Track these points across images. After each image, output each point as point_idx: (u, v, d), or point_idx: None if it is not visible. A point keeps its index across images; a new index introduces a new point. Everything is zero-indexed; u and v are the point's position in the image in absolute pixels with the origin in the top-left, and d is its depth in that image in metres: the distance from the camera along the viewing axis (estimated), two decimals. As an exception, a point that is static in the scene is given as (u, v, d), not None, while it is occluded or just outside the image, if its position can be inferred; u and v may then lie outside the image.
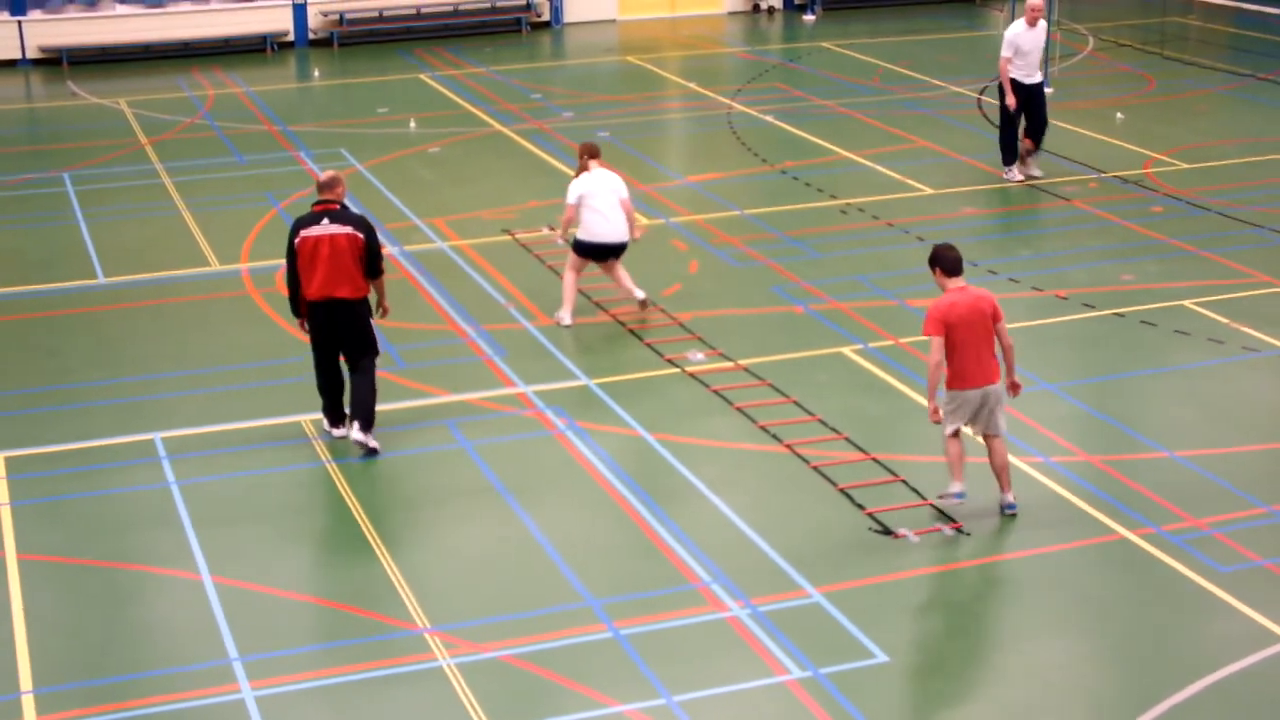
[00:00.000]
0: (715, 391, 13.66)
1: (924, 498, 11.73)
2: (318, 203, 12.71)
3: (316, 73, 27.82)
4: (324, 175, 12.92)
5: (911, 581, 10.70)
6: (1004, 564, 10.88)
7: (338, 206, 12.64)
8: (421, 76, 26.96)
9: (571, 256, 15.28)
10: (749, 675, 9.62)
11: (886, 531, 11.30)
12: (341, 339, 12.72)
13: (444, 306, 15.77)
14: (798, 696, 9.40)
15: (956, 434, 11.41)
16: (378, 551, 11.15)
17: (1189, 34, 29.66)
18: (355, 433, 12.61)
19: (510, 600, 10.48)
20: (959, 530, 11.27)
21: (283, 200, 19.18)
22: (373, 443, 12.61)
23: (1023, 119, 19.56)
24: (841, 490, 11.91)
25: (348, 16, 30.02)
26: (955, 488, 11.45)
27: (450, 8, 30.78)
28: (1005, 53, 19.27)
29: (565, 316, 15.24)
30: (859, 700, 9.35)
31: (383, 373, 14.10)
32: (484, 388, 13.83)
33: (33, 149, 22.90)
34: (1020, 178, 19.62)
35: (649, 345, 14.67)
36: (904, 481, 12.01)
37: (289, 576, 10.87)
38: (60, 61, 28.37)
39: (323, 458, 12.60)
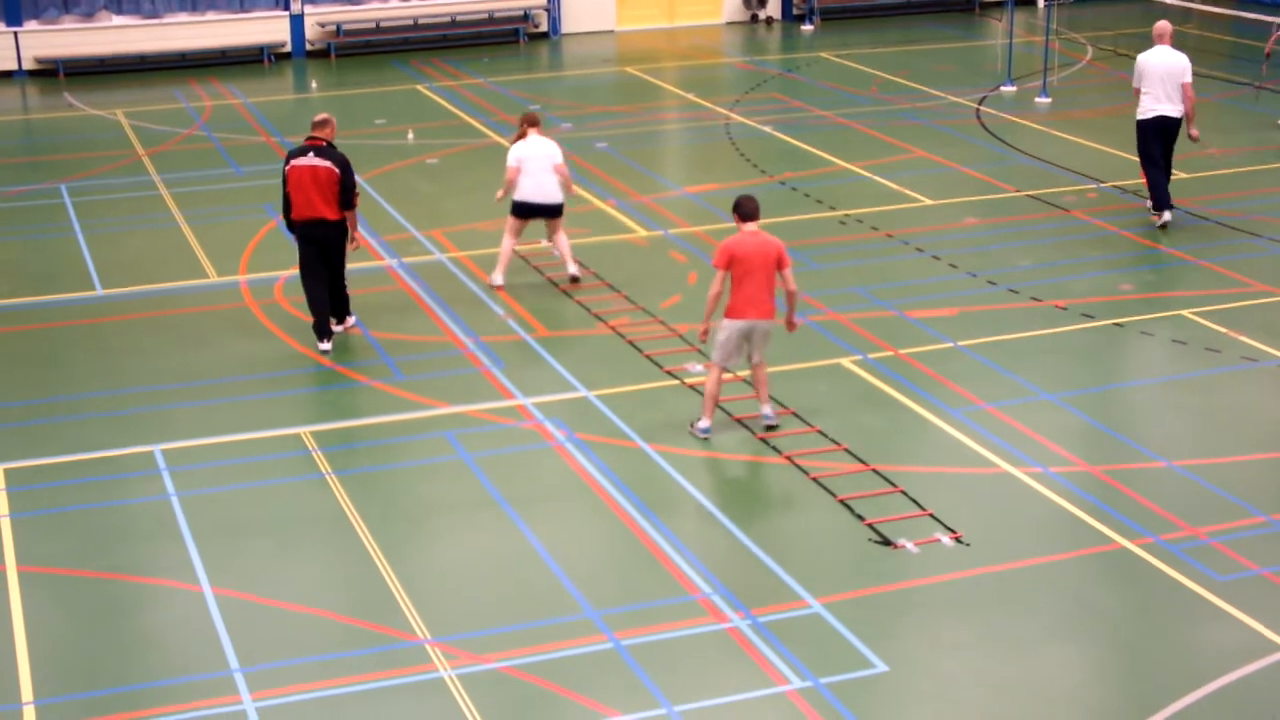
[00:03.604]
0: (714, 402, 13.67)
1: (923, 508, 11.74)
2: (309, 138, 14.91)
3: (314, 84, 27.85)
4: (318, 116, 15.11)
5: (911, 592, 10.71)
6: (1003, 574, 10.88)
7: (324, 143, 14.83)
8: (419, 87, 27.00)
9: (510, 220, 16.56)
10: (749, 686, 9.63)
11: (886, 542, 11.31)
12: (323, 252, 14.93)
13: (442, 318, 15.79)
14: (798, 706, 9.41)
15: (719, 371, 12.93)
16: (378, 563, 11.15)
17: (1187, 42, 29.67)
18: (335, 328, 15.16)
19: (511, 611, 10.49)
20: (958, 540, 11.29)
21: (281, 212, 19.16)
22: (350, 321, 15.37)
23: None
24: (841, 501, 11.92)
25: (345, 28, 30.05)
26: (703, 423, 12.99)
27: (448, 19, 30.82)
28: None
29: (497, 277, 16.64)
30: (859, 710, 9.35)
31: (381, 384, 14.15)
32: (482, 399, 13.84)
33: (30, 161, 22.91)
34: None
35: (648, 357, 14.68)
36: (903, 492, 12.02)
37: (290, 588, 10.87)
38: (57, 73, 28.40)
39: (322, 469, 12.61)
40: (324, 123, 14.97)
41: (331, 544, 11.54)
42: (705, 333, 13.12)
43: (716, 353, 12.95)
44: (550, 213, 16.47)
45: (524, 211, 16.42)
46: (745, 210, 12.86)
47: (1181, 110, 17.93)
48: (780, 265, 12.77)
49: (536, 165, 16.24)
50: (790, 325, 13.22)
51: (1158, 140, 18.03)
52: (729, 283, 12.78)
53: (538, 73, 28.86)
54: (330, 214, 14.75)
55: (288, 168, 14.84)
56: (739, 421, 13.28)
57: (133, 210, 19.84)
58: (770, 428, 13.09)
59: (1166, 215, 18.09)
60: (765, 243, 12.77)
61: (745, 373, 14.11)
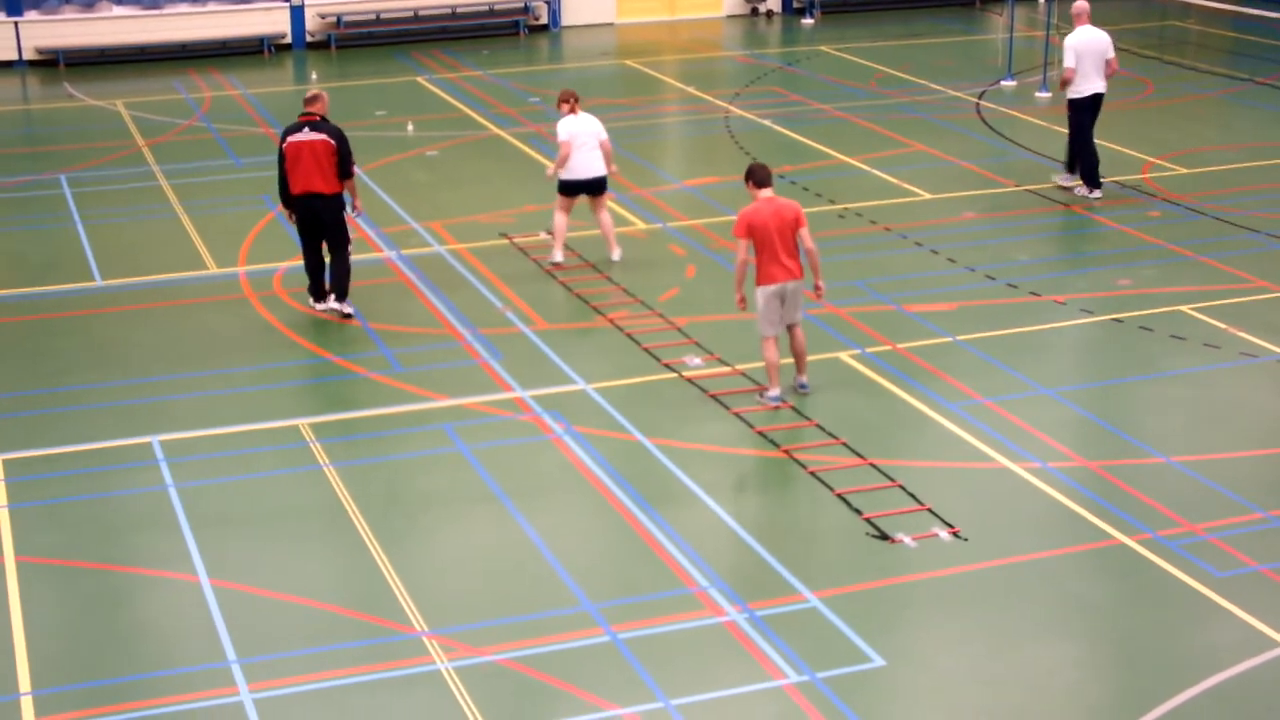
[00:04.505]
0: (712, 396, 13.67)
1: (921, 503, 11.74)
2: (302, 114, 15.31)
3: (314, 75, 27.81)
4: (310, 92, 15.54)
5: (908, 586, 10.71)
6: (1001, 569, 10.89)
7: (318, 118, 15.25)
8: (419, 79, 26.98)
9: (560, 198, 16.87)
10: (746, 680, 9.63)
11: (883, 536, 11.31)
12: (322, 226, 15.36)
13: (441, 310, 15.78)
14: (795, 701, 9.41)
15: (772, 341, 13.26)
16: (375, 555, 11.15)
17: (1188, 38, 29.71)
18: (332, 303, 15.40)
19: (508, 604, 10.49)
20: (956, 535, 11.29)
21: (280, 203, 19.15)
22: (348, 309, 15.38)
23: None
24: (839, 495, 11.92)
25: (345, 19, 30.03)
26: (773, 392, 13.38)
27: (448, 10, 30.79)
28: None
29: (557, 254, 16.94)
30: (856, 705, 9.35)
31: (379, 376, 14.15)
32: (481, 392, 13.84)
33: (29, 151, 22.90)
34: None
35: (646, 350, 14.68)
36: (901, 486, 12.02)
37: (287, 579, 10.87)
38: (57, 63, 28.39)
39: (320, 461, 12.60)
40: (315, 98, 15.40)
41: (329, 536, 11.54)
42: (742, 301, 13.43)
43: (761, 324, 13.30)
44: (597, 188, 16.83)
45: (573, 189, 16.79)
46: (758, 177, 13.29)
47: (1105, 86, 18.80)
48: (798, 226, 13.16)
49: (583, 141, 16.65)
50: (816, 291, 13.46)
51: (1091, 117, 18.77)
52: (753, 251, 13.15)
53: (538, 65, 28.84)
54: (325, 188, 15.15)
55: (284, 145, 15.23)
56: (737, 415, 13.28)
57: (132, 201, 19.83)
58: (804, 393, 13.50)
59: (1098, 193, 18.92)
60: (782, 206, 13.20)
61: (745, 366, 14.13)
